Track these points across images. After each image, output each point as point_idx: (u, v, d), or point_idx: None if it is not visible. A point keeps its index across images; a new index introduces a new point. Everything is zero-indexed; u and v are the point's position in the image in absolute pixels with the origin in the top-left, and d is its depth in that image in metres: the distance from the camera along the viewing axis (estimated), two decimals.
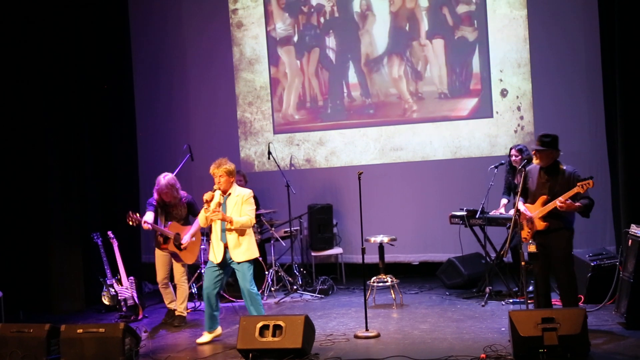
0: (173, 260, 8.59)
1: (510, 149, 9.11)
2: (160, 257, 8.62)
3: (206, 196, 7.41)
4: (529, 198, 7.32)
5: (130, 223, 8.33)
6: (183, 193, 8.66)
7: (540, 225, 7.12)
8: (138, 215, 8.38)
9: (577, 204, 6.97)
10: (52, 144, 9.91)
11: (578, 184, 6.90)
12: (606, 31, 9.28)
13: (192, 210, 8.66)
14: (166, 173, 8.58)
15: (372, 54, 10.94)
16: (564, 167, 7.18)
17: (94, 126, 10.44)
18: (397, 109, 10.88)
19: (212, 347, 7.44)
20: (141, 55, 11.40)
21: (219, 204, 7.46)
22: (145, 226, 8.34)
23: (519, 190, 7.37)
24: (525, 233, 7.26)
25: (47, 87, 9.91)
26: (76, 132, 10.14)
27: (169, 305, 8.77)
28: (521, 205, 7.27)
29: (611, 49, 9.08)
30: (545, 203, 7.10)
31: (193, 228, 8.54)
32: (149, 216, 8.43)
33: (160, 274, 8.65)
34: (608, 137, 9.51)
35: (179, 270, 8.59)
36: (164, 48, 11.57)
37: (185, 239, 8.48)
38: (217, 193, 7.49)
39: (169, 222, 8.51)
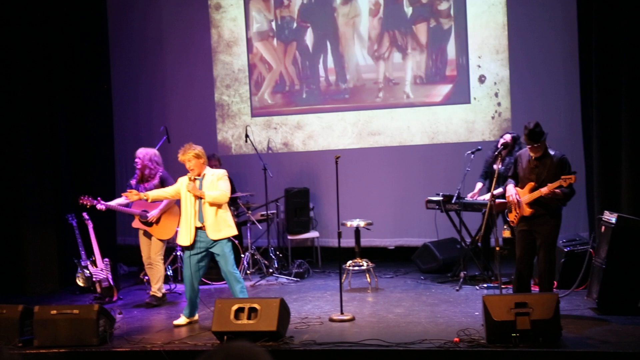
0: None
1: (505, 133, 9.10)
2: (142, 237, 8.68)
3: (188, 187, 7.41)
4: (519, 183, 7.38)
5: (87, 205, 8.43)
6: (161, 169, 8.66)
7: (526, 211, 7.18)
8: (90, 198, 8.41)
9: (558, 191, 7.02)
10: (26, 125, 9.77)
11: (562, 177, 6.94)
12: (584, 19, 9.30)
13: (164, 185, 8.57)
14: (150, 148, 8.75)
15: (349, 40, 10.92)
16: (552, 152, 7.23)
17: (68, 108, 10.33)
18: (374, 94, 10.87)
19: (187, 329, 7.44)
20: (118, 37, 11.28)
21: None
22: (99, 207, 8.39)
23: (510, 174, 7.44)
24: (512, 216, 7.34)
25: (21, 70, 9.77)
26: (50, 114, 10.02)
27: (154, 288, 8.65)
28: (512, 188, 7.32)
29: (588, 36, 9.12)
30: (532, 189, 7.15)
31: (163, 203, 8.51)
32: (122, 199, 8.43)
33: (143, 254, 8.66)
34: (583, 125, 9.57)
35: (155, 249, 8.56)
36: (141, 29, 11.48)
37: (152, 214, 8.46)
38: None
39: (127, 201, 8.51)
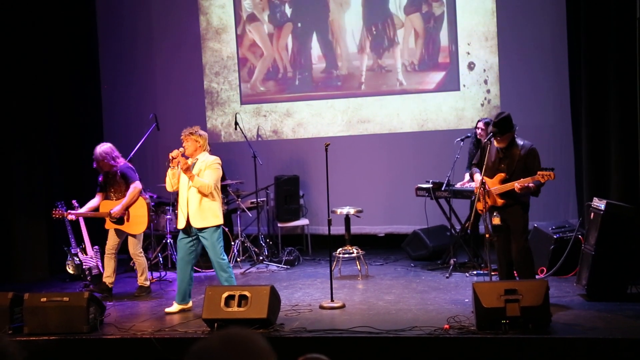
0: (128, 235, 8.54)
1: (478, 121, 9.12)
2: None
3: (172, 153, 7.33)
4: (486, 172, 7.32)
5: (58, 217, 8.55)
6: (121, 162, 8.45)
7: (498, 202, 7.19)
8: (62, 210, 8.49)
9: (532, 185, 7.03)
10: (15, 114, 9.72)
11: (539, 172, 6.91)
12: (572, 4, 9.33)
13: (126, 180, 8.41)
14: (104, 143, 8.48)
15: (342, 27, 10.88)
16: (521, 142, 7.21)
17: (58, 96, 10.28)
18: (366, 81, 10.85)
19: (179, 316, 7.40)
20: (107, 25, 11.21)
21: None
22: (70, 217, 8.53)
23: (475, 162, 7.41)
24: (481, 205, 7.28)
25: (9, 59, 9.70)
26: (40, 102, 9.96)
27: (104, 278, 8.51)
28: (479, 177, 7.31)
29: (577, 22, 9.13)
30: (503, 181, 7.14)
31: (125, 199, 8.34)
32: (94, 201, 8.48)
33: (108, 243, 8.50)
34: (573, 111, 9.60)
35: (132, 244, 8.48)
36: (130, 17, 11.41)
37: (115, 209, 8.30)
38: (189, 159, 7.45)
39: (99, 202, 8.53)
